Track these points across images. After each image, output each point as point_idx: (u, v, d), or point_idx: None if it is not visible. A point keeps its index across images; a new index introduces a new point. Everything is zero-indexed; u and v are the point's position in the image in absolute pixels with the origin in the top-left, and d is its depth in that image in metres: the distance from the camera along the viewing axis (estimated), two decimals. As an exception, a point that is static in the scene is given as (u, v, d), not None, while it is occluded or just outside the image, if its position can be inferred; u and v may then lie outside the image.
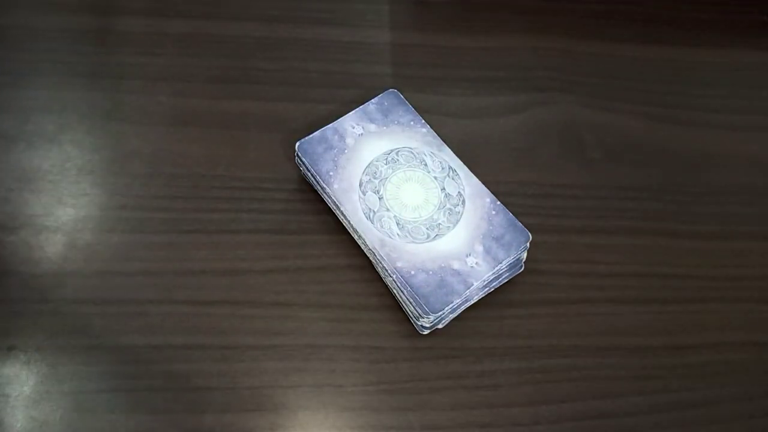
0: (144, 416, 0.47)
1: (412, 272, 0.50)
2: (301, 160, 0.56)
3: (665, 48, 0.70)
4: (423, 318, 0.49)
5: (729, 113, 0.67)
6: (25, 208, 0.55)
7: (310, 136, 0.56)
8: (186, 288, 0.52)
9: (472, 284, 0.50)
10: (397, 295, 0.51)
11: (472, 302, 0.52)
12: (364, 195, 0.53)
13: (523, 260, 0.54)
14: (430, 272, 0.50)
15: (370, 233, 0.51)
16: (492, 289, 0.53)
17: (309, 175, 0.56)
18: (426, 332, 0.51)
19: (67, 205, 0.55)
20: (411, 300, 0.49)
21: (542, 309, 0.54)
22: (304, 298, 0.53)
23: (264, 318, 0.51)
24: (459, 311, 0.52)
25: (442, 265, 0.50)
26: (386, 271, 0.51)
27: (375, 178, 0.54)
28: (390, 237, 0.51)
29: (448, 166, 0.55)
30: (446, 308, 0.49)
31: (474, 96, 0.65)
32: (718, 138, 0.65)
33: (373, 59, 0.66)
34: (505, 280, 0.53)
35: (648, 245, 0.58)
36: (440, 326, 0.51)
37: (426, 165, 0.55)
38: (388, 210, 0.52)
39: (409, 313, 0.51)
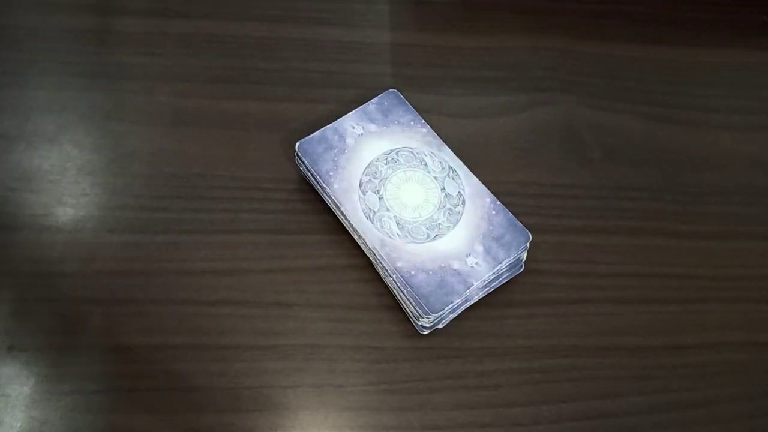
0: (144, 416, 0.47)
1: (412, 272, 0.50)
2: (301, 160, 0.56)
3: (665, 48, 0.70)
4: (423, 318, 0.49)
5: (729, 113, 0.67)
6: (25, 208, 0.55)
7: (310, 136, 0.56)
8: (186, 288, 0.52)
9: (472, 284, 0.50)
10: (397, 295, 0.51)
11: (472, 302, 0.52)
12: (364, 195, 0.53)
13: (523, 260, 0.54)
14: (430, 272, 0.50)
15: (370, 233, 0.51)
16: (492, 289, 0.53)
17: (309, 175, 0.56)
18: (426, 332, 0.51)
19: (67, 205, 0.55)
20: (411, 300, 0.49)
21: (542, 309, 0.54)
22: (304, 298, 0.53)
23: (264, 318, 0.51)
24: (459, 311, 0.52)
25: (442, 265, 0.50)
26: (386, 271, 0.51)
27: (375, 178, 0.54)
28: (390, 237, 0.51)
29: (448, 166, 0.55)
30: (446, 308, 0.49)
31: (474, 96, 0.65)
32: (718, 138, 0.65)
33: (373, 59, 0.66)
34: (505, 280, 0.53)
35: (648, 245, 0.58)
36: (440, 326, 0.51)
37: (426, 165, 0.55)
38: (388, 210, 0.52)
39: (409, 313, 0.51)
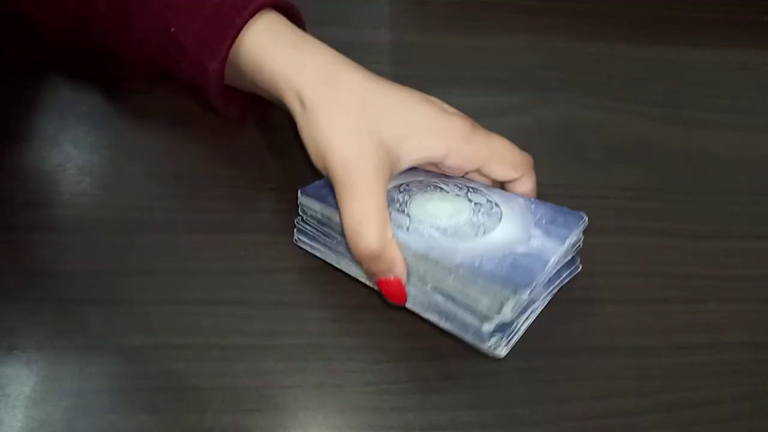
0: (144, 416, 0.47)
1: (476, 263, 0.42)
2: (305, 209, 0.52)
3: (665, 48, 0.70)
4: (510, 300, 0.41)
5: (729, 113, 0.67)
6: (26, 208, 0.55)
7: (312, 184, 0.52)
8: (186, 288, 0.52)
9: (549, 260, 0.44)
10: (450, 309, 0.45)
11: (537, 310, 0.48)
12: (389, 216, 0.47)
13: (579, 260, 0.51)
14: (496, 260, 0.42)
15: (411, 242, 0.45)
16: (555, 290, 0.49)
17: (320, 220, 0.51)
18: (492, 346, 0.44)
19: (67, 205, 0.55)
20: (487, 289, 0.41)
21: (542, 309, 0.54)
22: (304, 298, 0.52)
23: (264, 318, 0.51)
24: (531, 319, 0.47)
25: (506, 252, 0.43)
26: (442, 273, 0.43)
27: (394, 202, 0.49)
28: (435, 239, 0.45)
29: (464, 184, 0.52)
30: (534, 283, 0.42)
31: (474, 96, 0.65)
32: (718, 138, 0.65)
33: (373, 59, 0.66)
34: (566, 280, 0.50)
35: (648, 245, 0.58)
36: (513, 339, 0.46)
37: (441, 189, 0.51)
38: (420, 222, 0.47)
39: (469, 322, 0.44)
